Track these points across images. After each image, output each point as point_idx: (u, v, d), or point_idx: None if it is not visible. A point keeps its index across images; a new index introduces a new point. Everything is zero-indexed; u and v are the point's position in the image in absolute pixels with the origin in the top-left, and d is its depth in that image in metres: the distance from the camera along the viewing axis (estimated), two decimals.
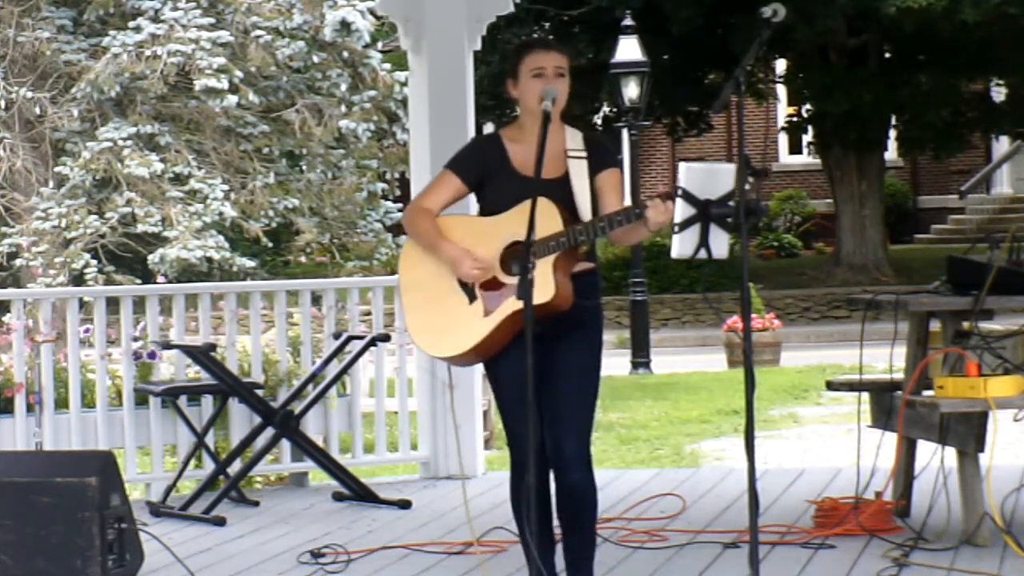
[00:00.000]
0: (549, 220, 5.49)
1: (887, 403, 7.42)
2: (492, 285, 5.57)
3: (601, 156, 5.72)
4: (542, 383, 5.60)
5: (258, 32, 25.03)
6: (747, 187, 5.22)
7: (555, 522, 5.82)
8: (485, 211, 5.72)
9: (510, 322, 5.50)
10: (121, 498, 6.46)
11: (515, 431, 5.65)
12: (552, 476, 5.71)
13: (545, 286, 5.48)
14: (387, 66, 25.62)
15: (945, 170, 33.29)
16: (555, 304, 5.51)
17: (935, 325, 7.29)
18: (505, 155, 5.69)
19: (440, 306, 5.64)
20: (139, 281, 23.36)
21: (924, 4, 23.50)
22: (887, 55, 27.46)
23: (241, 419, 8.92)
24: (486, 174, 5.71)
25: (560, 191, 5.60)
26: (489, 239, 5.59)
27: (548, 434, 5.65)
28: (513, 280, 5.47)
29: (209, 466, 8.76)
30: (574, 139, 5.72)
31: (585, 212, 5.60)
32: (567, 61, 5.71)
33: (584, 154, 5.68)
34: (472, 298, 5.59)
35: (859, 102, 25.76)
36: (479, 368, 9.67)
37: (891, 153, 30.26)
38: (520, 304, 5.36)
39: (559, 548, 5.85)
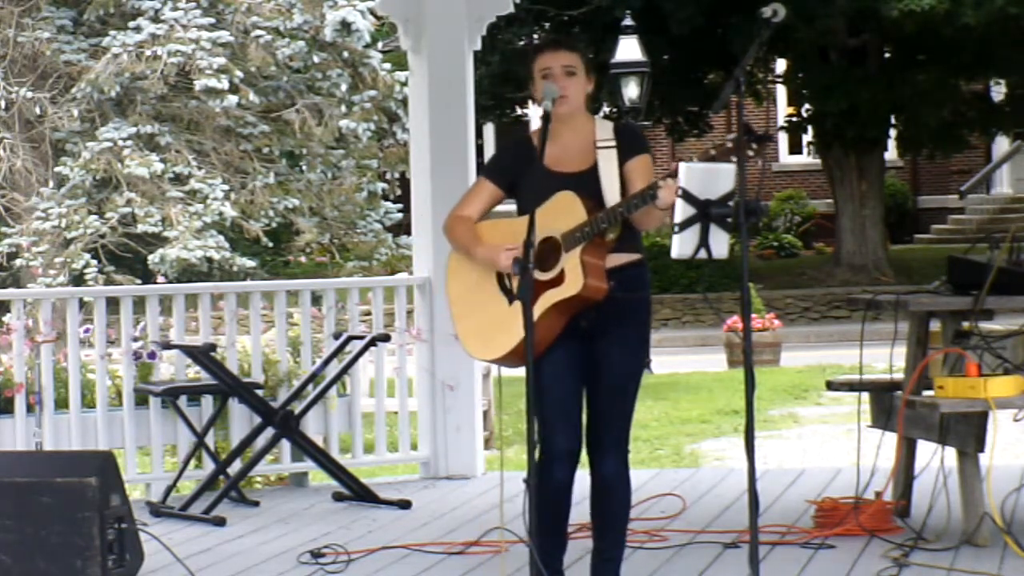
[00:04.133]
0: (572, 212, 5.55)
1: (887, 403, 7.42)
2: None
3: (630, 143, 5.75)
4: (586, 377, 5.67)
5: (258, 32, 25.02)
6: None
7: (568, 524, 5.84)
8: (522, 211, 5.78)
9: (551, 317, 5.52)
10: (121, 498, 6.46)
11: (552, 426, 5.64)
12: (589, 470, 5.73)
13: (574, 278, 5.52)
14: (387, 66, 25.61)
15: (945, 170, 33.29)
16: (585, 296, 5.54)
17: (935, 325, 7.29)
18: (535, 154, 5.71)
19: (483, 311, 5.71)
20: (139, 281, 23.35)
21: (926, 7, 23.50)
22: (887, 55, 27.46)
23: (241, 419, 8.92)
24: (518, 175, 5.77)
25: (589, 183, 5.64)
26: (519, 238, 5.60)
27: (589, 427, 5.70)
28: (547, 276, 5.54)
29: (209, 466, 8.76)
30: (603, 130, 5.76)
31: (613, 201, 5.63)
32: (579, 57, 5.74)
33: (613, 143, 5.71)
34: (512, 299, 5.62)
35: (859, 102, 25.76)
36: (479, 368, 9.71)
37: (891, 153, 30.27)
38: (562, 295, 5.48)
39: (570, 547, 5.87)
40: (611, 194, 5.64)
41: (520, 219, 5.70)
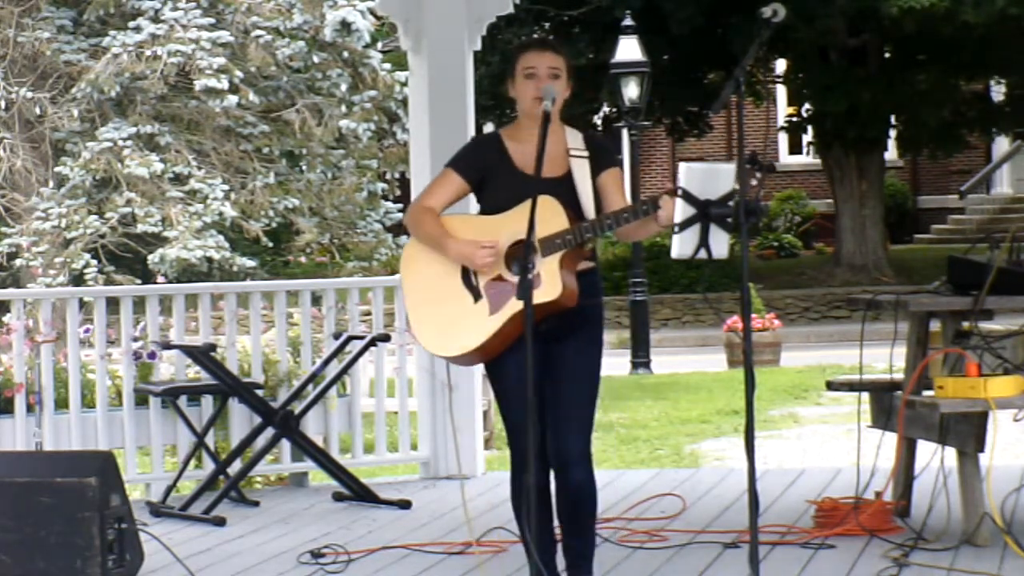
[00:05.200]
0: (554, 218, 5.51)
1: (887, 403, 7.42)
2: (497, 283, 5.57)
3: (603, 155, 5.74)
4: (545, 382, 5.63)
5: (258, 32, 25.04)
6: (754, 182, 5.22)
7: (555, 522, 5.83)
8: (486, 210, 5.73)
9: (516, 320, 5.48)
10: (121, 498, 6.46)
11: (516, 430, 5.65)
12: (553, 475, 5.72)
13: (552, 284, 5.49)
14: (387, 66, 25.62)
15: (945, 170, 33.30)
16: (561, 302, 5.52)
17: (935, 325, 7.29)
18: (505, 154, 5.70)
19: (445, 305, 5.64)
20: (139, 281, 23.37)
21: (926, 5, 23.51)
22: (887, 55, 27.47)
23: (241, 419, 8.92)
24: (487, 172, 5.72)
25: (563, 189, 5.62)
26: (494, 237, 5.59)
27: (550, 433, 5.65)
28: (517, 278, 5.47)
29: (209, 466, 8.76)
30: (574, 138, 5.74)
31: (589, 210, 5.62)
32: (564, 62, 5.72)
33: (586, 153, 5.70)
34: (477, 297, 5.59)
35: (859, 102, 25.77)
36: (479, 368, 9.68)
37: (891, 153, 30.27)
38: (538, 299, 5.42)
39: (560, 548, 5.86)
40: (587, 203, 5.63)
41: (490, 218, 5.66)
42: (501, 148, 5.72)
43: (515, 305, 5.44)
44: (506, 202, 5.59)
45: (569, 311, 5.58)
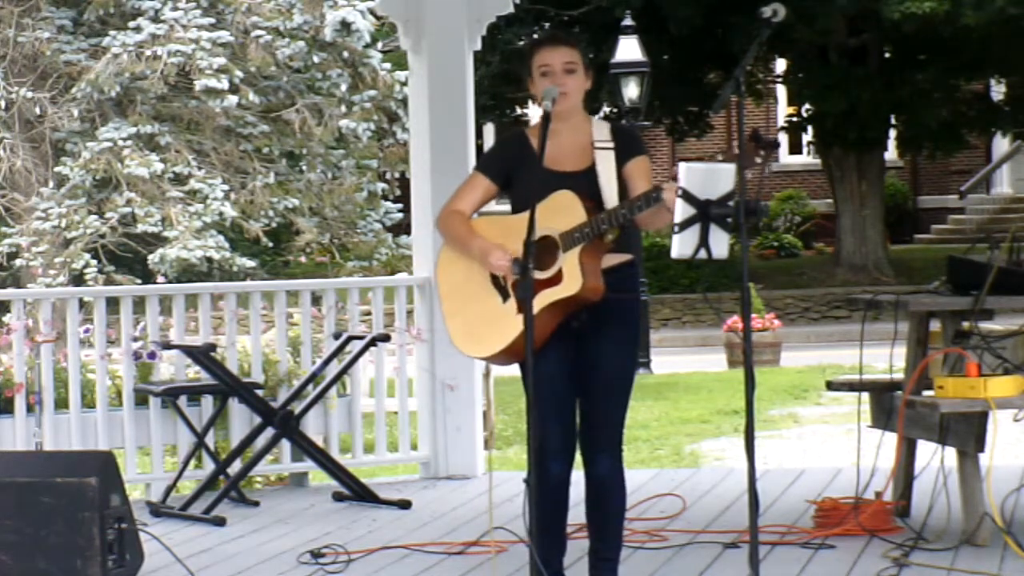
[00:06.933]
0: (572, 212, 5.53)
1: (887, 403, 7.42)
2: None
3: (628, 145, 5.74)
4: (578, 377, 5.64)
5: (258, 32, 25.02)
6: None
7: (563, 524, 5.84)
8: (516, 208, 5.74)
9: (546, 315, 5.50)
10: (121, 498, 6.46)
11: (546, 423, 5.63)
12: (583, 471, 5.72)
13: (573, 278, 5.51)
14: (387, 66, 25.61)
15: (945, 170, 33.30)
16: (583, 296, 5.53)
17: (935, 325, 7.29)
18: (530, 151, 5.70)
19: (476, 307, 5.67)
20: (139, 281, 23.35)
21: (927, 9, 23.51)
22: (887, 55, 27.47)
23: (241, 419, 8.92)
24: (513, 171, 5.74)
25: (586, 183, 5.62)
26: (520, 235, 5.58)
27: (581, 429, 5.66)
28: (545, 274, 5.51)
29: (209, 466, 8.76)
30: (600, 130, 5.74)
31: (612, 202, 5.62)
32: (578, 54, 5.71)
33: (611, 144, 5.69)
34: (506, 296, 5.60)
35: (859, 102, 25.77)
36: (479, 368, 9.70)
37: (891, 153, 30.27)
38: (558, 295, 5.45)
39: (570, 548, 5.87)
40: (610, 195, 5.63)
41: (516, 216, 5.67)
42: (526, 146, 5.73)
43: (542, 300, 5.47)
44: (534, 199, 5.58)
45: (602, 306, 5.58)
